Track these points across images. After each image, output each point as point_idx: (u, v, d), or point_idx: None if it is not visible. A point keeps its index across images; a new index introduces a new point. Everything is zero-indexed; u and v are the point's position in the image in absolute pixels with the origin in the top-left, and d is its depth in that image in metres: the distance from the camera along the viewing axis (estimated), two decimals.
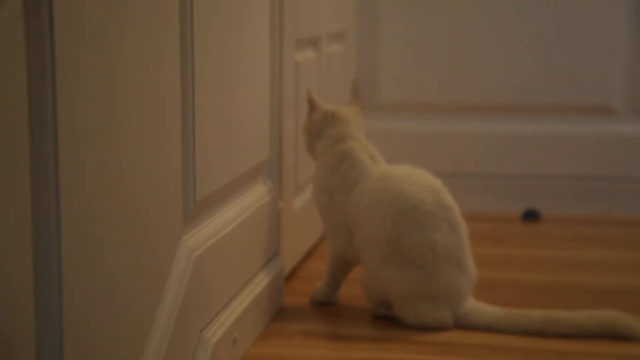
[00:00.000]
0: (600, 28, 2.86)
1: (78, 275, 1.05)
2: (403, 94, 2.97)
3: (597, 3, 2.86)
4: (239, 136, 1.69)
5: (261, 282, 1.81)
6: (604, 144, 2.88)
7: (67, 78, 1.01)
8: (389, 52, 2.96)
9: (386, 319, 1.85)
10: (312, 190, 1.98)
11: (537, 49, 2.89)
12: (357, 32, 2.90)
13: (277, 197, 1.96)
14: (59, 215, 1.00)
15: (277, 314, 1.91)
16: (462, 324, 1.80)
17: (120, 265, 1.17)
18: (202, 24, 1.44)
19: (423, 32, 2.94)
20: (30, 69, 0.95)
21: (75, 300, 1.04)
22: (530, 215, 2.81)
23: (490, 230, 2.66)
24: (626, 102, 2.88)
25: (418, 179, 1.83)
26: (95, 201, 1.09)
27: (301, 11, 2.10)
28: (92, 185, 1.08)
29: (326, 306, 1.95)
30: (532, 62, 2.90)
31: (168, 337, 1.31)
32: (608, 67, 2.87)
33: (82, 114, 1.05)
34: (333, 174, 1.89)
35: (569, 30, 2.87)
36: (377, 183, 1.84)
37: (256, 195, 1.82)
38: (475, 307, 1.81)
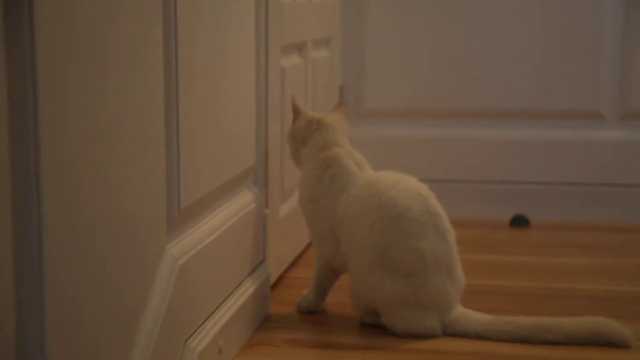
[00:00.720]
0: (587, 34, 2.86)
1: (60, 285, 1.04)
2: (389, 100, 2.96)
3: (584, 9, 2.86)
4: (224, 143, 1.67)
5: (247, 290, 1.79)
6: (592, 150, 2.88)
7: (48, 86, 0.99)
8: (375, 58, 2.95)
9: (374, 327, 1.84)
10: (298, 198, 1.96)
11: (524, 55, 2.89)
12: (343, 38, 2.89)
13: (263, 204, 1.94)
14: (40, 223, 0.99)
15: (263, 322, 1.89)
16: (450, 332, 1.79)
17: (103, 273, 1.16)
18: (186, 30, 1.43)
19: (409, 37, 2.93)
20: (11, 78, 0.94)
21: (57, 309, 1.03)
22: (519, 222, 2.81)
23: (478, 236, 2.66)
24: (614, 108, 2.88)
25: (405, 186, 1.82)
26: (77, 209, 1.08)
27: (286, 17, 2.09)
28: (73, 192, 1.07)
29: (313, 314, 1.94)
30: (519, 68, 2.89)
31: (152, 347, 1.30)
32: (596, 73, 2.87)
33: (64, 122, 1.04)
34: (319, 181, 1.88)
35: (556, 36, 2.87)
36: (364, 190, 1.83)
37: (242, 202, 1.80)
38: (464, 314, 1.80)
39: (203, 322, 1.55)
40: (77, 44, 1.06)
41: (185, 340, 1.46)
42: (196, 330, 1.51)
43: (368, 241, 1.78)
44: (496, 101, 2.92)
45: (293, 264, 2.28)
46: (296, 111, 1.93)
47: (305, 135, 1.92)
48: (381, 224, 1.78)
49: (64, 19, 1.03)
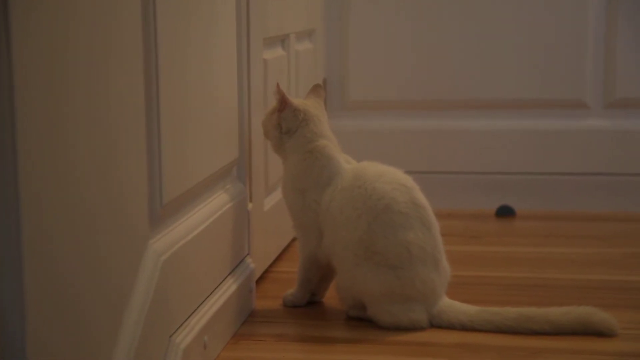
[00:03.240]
0: (572, 24, 2.86)
1: (39, 282, 1.02)
2: (373, 92, 2.96)
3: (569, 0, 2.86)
4: (207, 137, 1.66)
5: (232, 285, 1.78)
6: (577, 140, 2.88)
7: (23, 76, 0.98)
8: (359, 50, 2.94)
9: (360, 321, 1.83)
10: (283, 190, 1.94)
11: (508, 45, 2.88)
12: (326, 30, 2.88)
13: (246, 198, 1.93)
14: (18, 220, 0.98)
15: (249, 317, 1.88)
16: (437, 323, 1.78)
17: (84, 270, 1.15)
18: (166, 22, 1.41)
19: (393, 29, 2.92)
20: None
21: (37, 307, 1.02)
22: (505, 212, 2.81)
23: (464, 227, 2.66)
24: (598, 97, 2.88)
25: (390, 177, 1.81)
26: (57, 204, 1.06)
27: (268, 9, 2.08)
28: (52, 187, 1.05)
29: (298, 308, 1.93)
30: (503, 59, 2.89)
31: (136, 343, 1.28)
32: (580, 62, 2.87)
33: (41, 115, 1.02)
34: (306, 173, 1.86)
35: (540, 26, 2.87)
36: (350, 182, 1.82)
37: (225, 196, 1.79)
38: (450, 305, 1.80)
39: (187, 318, 1.54)
40: (48, 34, 1.05)
41: (170, 336, 1.45)
42: (181, 325, 1.50)
43: (353, 233, 1.78)
44: (480, 92, 2.92)
45: (278, 258, 2.27)
46: (283, 101, 1.89)
47: (290, 126, 1.89)
48: (367, 216, 1.77)
49: (37, 10, 1.02)
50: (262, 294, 2.00)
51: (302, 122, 1.88)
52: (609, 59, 2.86)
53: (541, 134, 2.90)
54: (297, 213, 1.90)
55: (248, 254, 1.94)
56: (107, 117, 1.21)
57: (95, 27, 1.17)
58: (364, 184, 1.80)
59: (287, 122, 1.89)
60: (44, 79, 1.03)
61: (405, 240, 1.75)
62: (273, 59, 2.13)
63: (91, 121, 1.16)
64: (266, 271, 2.14)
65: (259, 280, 2.05)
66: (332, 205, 1.82)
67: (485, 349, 1.68)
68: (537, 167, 2.90)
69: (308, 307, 1.94)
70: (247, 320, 1.86)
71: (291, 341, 1.76)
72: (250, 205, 1.95)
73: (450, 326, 1.78)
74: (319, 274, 1.93)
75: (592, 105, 2.89)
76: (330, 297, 1.93)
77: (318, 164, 1.86)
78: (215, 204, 1.72)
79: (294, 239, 2.38)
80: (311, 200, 1.85)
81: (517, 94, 2.90)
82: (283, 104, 1.88)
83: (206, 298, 1.65)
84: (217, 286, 1.73)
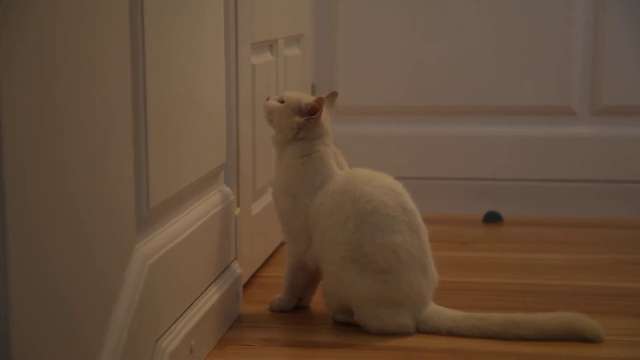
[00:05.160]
0: (559, 31, 2.87)
1: (25, 286, 1.02)
2: (362, 97, 2.96)
3: (556, 6, 2.87)
4: (195, 141, 1.66)
5: (218, 289, 1.78)
6: (564, 146, 2.89)
7: (7, 77, 0.97)
8: (347, 56, 2.95)
9: (347, 325, 1.83)
10: (274, 192, 1.93)
11: (496, 51, 2.89)
12: (315, 35, 2.88)
13: (234, 202, 1.93)
14: (4, 224, 0.97)
15: (235, 322, 1.88)
16: (423, 329, 1.78)
17: (70, 274, 1.14)
18: (154, 26, 1.41)
19: (381, 35, 2.93)
20: None
21: (22, 312, 1.01)
22: (492, 218, 2.81)
23: (452, 233, 2.66)
24: (585, 104, 2.89)
25: (380, 182, 1.81)
26: (43, 208, 1.06)
27: (257, 14, 2.08)
28: (38, 191, 1.05)
29: (285, 313, 1.92)
30: (491, 65, 2.90)
31: (122, 348, 1.28)
32: (567, 68, 2.88)
33: (27, 119, 1.02)
34: (300, 177, 1.85)
35: (528, 32, 2.88)
36: (340, 186, 1.82)
37: (213, 201, 1.79)
38: (436, 311, 1.80)
39: (174, 322, 1.54)
40: (28, 36, 1.05)
41: (156, 341, 1.44)
42: (167, 330, 1.50)
43: (341, 236, 1.78)
44: (469, 98, 2.93)
45: (266, 263, 2.27)
46: (318, 117, 1.84)
47: (307, 135, 1.85)
48: (354, 219, 1.77)
49: (20, 9, 1.01)
50: (249, 299, 1.99)
51: (317, 135, 1.86)
52: (596, 66, 2.87)
53: (529, 141, 2.91)
54: (287, 217, 1.89)
55: (235, 259, 1.94)
56: (94, 121, 1.21)
57: (83, 30, 1.17)
58: (354, 188, 1.80)
59: (306, 131, 1.87)
60: (30, 82, 1.03)
61: (392, 243, 1.75)
62: (261, 64, 2.13)
63: (78, 125, 1.16)
64: (253, 276, 2.14)
65: (246, 285, 2.05)
66: (321, 208, 1.82)
67: (472, 355, 1.68)
68: (524, 174, 2.91)
69: (295, 311, 1.93)
70: (234, 325, 1.85)
71: (278, 346, 1.76)
72: (237, 210, 1.95)
73: (436, 332, 1.78)
74: (306, 278, 1.92)
75: (579, 112, 2.90)
76: (318, 301, 1.93)
77: (312, 168, 1.85)
78: (202, 209, 1.72)
79: (281, 244, 2.37)
80: (302, 204, 1.85)
81: (505, 101, 2.91)
82: (316, 118, 1.85)
83: (193, 302, 1.65)
84: (204, 290, 1.72)
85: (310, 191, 1.85)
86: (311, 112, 1.85)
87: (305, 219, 1.85)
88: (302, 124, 1.85)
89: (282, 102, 1.87)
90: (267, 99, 1.90)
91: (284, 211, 1.89)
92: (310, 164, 1.85)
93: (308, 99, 1.87)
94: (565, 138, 2.89)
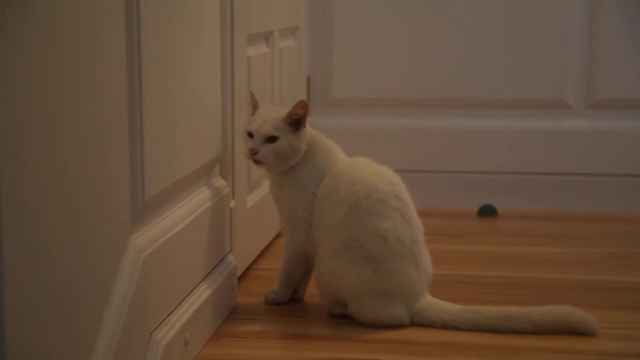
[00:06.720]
0: (554, 24, 2.87)
1: (20, 278, 1.02)
2: (357, 90, 2.96)
3: None
4: (190, 133, 1.65)
5: (214, 282, 1.78)
6: (559, 139, 2.89)
7: (5, 70, 0.97)
8: (342, 48, 2.94)
9: (342, 318, 1.83)
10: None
11: (490, 44, 2.89)
12: (310, 28, 2.88)
13: (229, 195, 1.93)
14: None
15: (231, 314, 1.88)
16: (418, 321, 1.79)
17: (65, 266, 1.14)
18: (149, 19, 1.41)
19: (377, 27, 2.92)
20: None
21: (18, 303, 1.01)
22: (487, 211, 2.81)
23: (446, 226, 2.66)
24: (580, 97, 2.89)
25: (377, 170, 1.84)
26: (38, 200, 1.06)
27: (252, 5, 2.07)
28: (33, 183, 1.05)
29: (280, 306, 1.92)
30: (487, 58, 2.90)
31: (117, 340, 1.28)
32: (562, 62, 2.88)
33: (23, 109, 1.02)
34: (311, 169, 1.85)
35: (523, 26, 2.88)
36: (340, 169, 1.83)
37: (208, 193, 1.79)
38: (431, 303, 1.80)
39: (169, 314, 1.54)
40: (27, 31, 1.04)
41: (151, 333, 1.44)
42: (162, 322, 1.50)
43: (333, 219, 1.78)
44: (464, 91, 2.92)
45: (261, 256, 2.27)
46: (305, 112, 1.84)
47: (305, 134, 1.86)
48: (347, 202, 1.78)
49: (19, 8, 1.01)
50: (244, 291, 1.99)
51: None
52: (591, 60, 2.87)
53: (523, 134, 2.91)
54: (291, 208, 1.87)
55: (230, 251, 1.94)
56: (89, 113, 1.20)
57: (81, 24, 1.16)
58: (352, 172, 1.81)
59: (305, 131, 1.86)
60: (28, 75, 1.03)
61: (382, 228, 1.76)
62: (257, 56, 2.13)
63: (73, 117, 1.15)
64: (248, 268, 2.14)
65: (241, 278, 2.05)
66: (321, 191, 1.83)
67: (466, 348, 1.68)
68: (519, 167, 2.91)
69: (290, 304, 1.93)
70: (229, 318, 1.85)
71: (273, 338, 1.76)
72: (232, 203, 1.95)
73: (431, 324, 1.78)
74: (302, 270, 1.93)
75: (574, 105, 2.90)
76: (312, 294, 1.93)
77: (321, 155, 1.86)
78: (197, 201, 1.72)
79: (276, 236, 2.37)
80: (310, 193, 1.85)
81: (500, 94, 2.91)
82: (304, 115, 1.83)
83: (188, 295, 1.65)
84: (199, 283, 1.72)
85: (318, 179, 1.85)
86: (299, 116, 1.83)
87: (311, 208, 1.85)
88: (302, 131, 1.83)
89: (251, 134, 1.81)
90: (250, 152, 1.81)
91: (289, 202, 1.87)
92: (317, 152, 1.86)
93: (280, 113, 1.84)
94: (560, 131, 2.90)
